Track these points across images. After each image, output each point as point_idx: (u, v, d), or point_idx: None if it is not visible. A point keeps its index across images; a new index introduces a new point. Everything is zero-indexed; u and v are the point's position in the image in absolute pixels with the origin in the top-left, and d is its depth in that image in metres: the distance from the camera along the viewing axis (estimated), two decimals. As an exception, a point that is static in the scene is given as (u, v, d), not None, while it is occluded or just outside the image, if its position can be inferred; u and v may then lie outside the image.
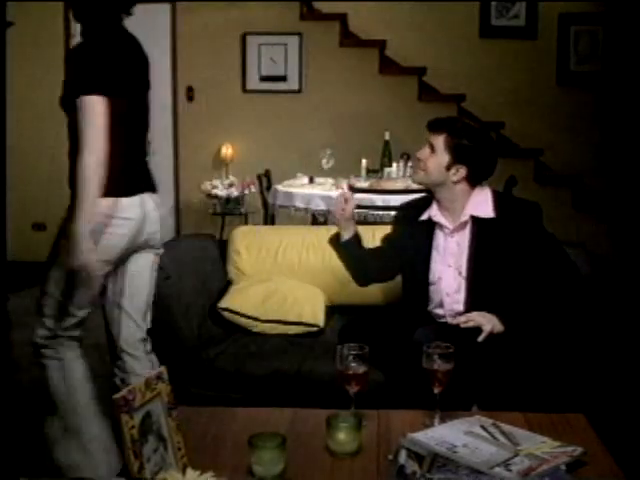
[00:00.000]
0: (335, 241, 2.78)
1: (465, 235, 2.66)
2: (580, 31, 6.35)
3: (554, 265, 2.61)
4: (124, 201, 2.45)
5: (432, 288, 2.71)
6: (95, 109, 2.41)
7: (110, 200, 2.41)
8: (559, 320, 2.64)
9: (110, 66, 2.44)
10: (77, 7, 2.56)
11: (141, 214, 2.48)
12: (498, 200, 2.68)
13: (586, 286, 2.71)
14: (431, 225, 2.72)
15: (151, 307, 2.64)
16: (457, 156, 2.61)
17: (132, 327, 2.60)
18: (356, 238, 2.76)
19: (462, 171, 2.62)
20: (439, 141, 2.63)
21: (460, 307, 2.65)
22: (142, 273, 2.58)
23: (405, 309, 2.85)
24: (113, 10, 2.64)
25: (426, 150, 2.68)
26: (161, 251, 2.65)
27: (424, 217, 2.74)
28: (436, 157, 2.64)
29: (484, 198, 2.67)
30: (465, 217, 2.66)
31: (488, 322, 2.48)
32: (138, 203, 2.48)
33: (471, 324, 2.48)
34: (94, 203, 2.36)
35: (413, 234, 2.77)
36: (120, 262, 2.53)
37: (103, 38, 2.50)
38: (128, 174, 2.50)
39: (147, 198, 2.52)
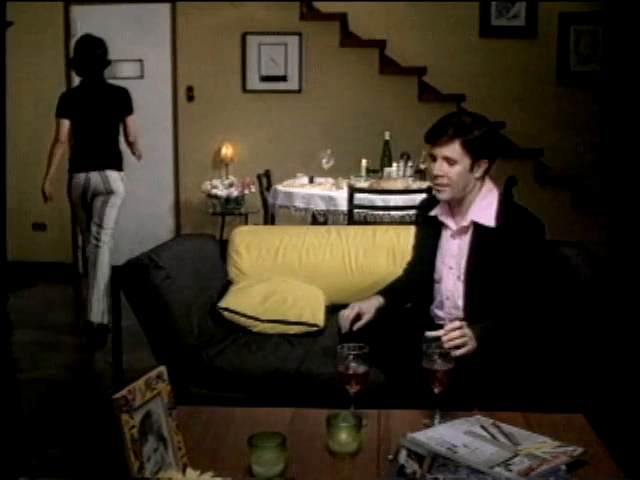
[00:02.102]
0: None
1: (466, 240, 2.63)
2: (580, 31, 6.35)
3: (528, 288, 2.54)
4: None
5: (436, 286, 2.71)
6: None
7: None
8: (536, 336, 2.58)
9: None
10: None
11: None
12: (503, 208, 2.61)
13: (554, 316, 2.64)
14: (438, 223, 2.71)
15: None
16: (477, 153, 2.53)
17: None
18: (387, 301, 2.71)
19: (484, 165, 2.56)
20: (454, 150, 2.52)
21: (459, 313, 2.64)
22: None
23: (408, 307, 2.86)
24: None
25: (443, 165, 2.55)
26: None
27: (432, 213, 2.72)
28: (458, 166, 2.53)
29: (489, 203, 2.61)
30: (466, 222, 2.62)
31: (465, 345, 2.37)
32: None
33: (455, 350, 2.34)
34: None
35: (424, 230, 2.78)
36: None
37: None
38: None
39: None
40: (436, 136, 2.56)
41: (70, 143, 4.83)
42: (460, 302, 2.64)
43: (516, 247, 2.54)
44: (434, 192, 2.65)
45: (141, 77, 6.50)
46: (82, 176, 4.80)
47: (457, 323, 2.41)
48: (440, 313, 2.71)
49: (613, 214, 5.99)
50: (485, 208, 2.61)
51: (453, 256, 2.66)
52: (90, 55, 4.71)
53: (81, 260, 6.54)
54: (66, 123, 4.69)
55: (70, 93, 5.02)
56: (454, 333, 2.36)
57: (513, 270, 2.53)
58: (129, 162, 6.57)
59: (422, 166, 5.02)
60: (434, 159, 2.59)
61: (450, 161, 2.54)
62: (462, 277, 2.62)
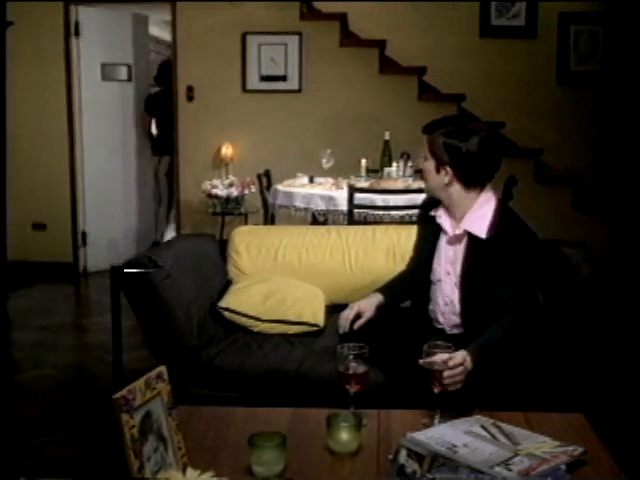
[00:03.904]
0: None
1: (461, 248, 2.62)
2: (580, 31, 6.34)
3: (515, 301, 2.48)
4: None
5: (433, 288, 2.71)
6: None
7: None
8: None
9: None
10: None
11: None
12: (498, 219, 2.57)
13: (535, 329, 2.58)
14: (438, 225, 2.70)
15: None
16: (439, 157, 2.54)
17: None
18: (386, 298, 2.73)
19: (449, 171, 2.54)
20: (425, 146, 2.59)
21: (457, 319, 2.64)
22: None
23: (408, 307, 2.85)
24: None
25: (421, 158, 2.64)
26: None
27: (432, 213, 2.71)
28: (427, 163, 2.59)
29: (484, 213, 2.57)
30: (459, 230, 2.61)
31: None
32: None
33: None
34: None
35: (425, 229, 2.77)
36: None
37: None
38: None
39: None
40: (423, 129, 2.61)
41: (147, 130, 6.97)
42: (457, 308, 2.63)
43: (505, 260, 2.49)
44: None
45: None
46: (155, 158, 7.05)
47: (460, 358, 2.21)
48: (440, 318, 2.70)
49: (613, 214, 5.98)
50: (480, 218, 2.57)
51: (450, 261, 2.65)
52: (169, 73, 6.50)
53: (81, 260, 6.55)
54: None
55: (153, 96, 7.00)
56: (456, 370, 2.19)
57: (502, 282, 2.49)
58: (128, 161, 6.61)
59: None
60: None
61: (425, 156, 2.60)
62: (458, 284, 2.62)
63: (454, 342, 2.31)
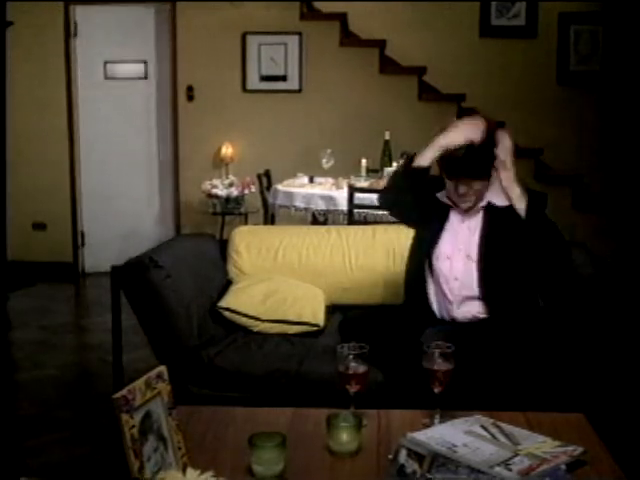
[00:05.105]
0: (409, 160, 2.76)
1: (477, 221, 2.72)
2: (580, 31, 6.34)
3: (555, 252, 2.66)
4: None
5: (437, 267, 2.73)
6: None
7: None
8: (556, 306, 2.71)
9: None
10: None
11: None
12: None
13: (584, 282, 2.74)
14: (445, 204, 2.77)
15: None
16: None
17: None
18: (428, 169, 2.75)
19: None
20: (483, 185, 2.69)
21: (469, 292, 2.68)
22: None
23: (405, 305, 2.86)
24: None
25: (480, 190, 2.69)
26: None
27: (445, 199, 2.78)
28: (487, 181, 2.69)
29: (496, 186, 2.71)
30: (483, 203, 2.72)
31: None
32: None
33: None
34: None
35: (430, 207, 2.81)
36: None
37: None
38: None
39: None
40: (470, 175, 2.64)
41: None
42: (473, 282, 2.68)
43: (527, 222, 2.62)
44: (460, 204, 2.72)
45: (144, 78, 6.52)
46: None
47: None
48: (449, 296, 2.72)
49: (613, 214, 5.98)
50: (496, 190, 2.70)
51: (463, 238, 2.72)
52: None
53: (81, 260, 6.55)
54: None
55: None
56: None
57: (526, 243, 2.63)
58: (128, 161, 6.61)
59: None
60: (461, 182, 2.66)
61: (485, 187, 2.70)
62: (474, 256, 2.68)
63: (463, 336, 2.36)
